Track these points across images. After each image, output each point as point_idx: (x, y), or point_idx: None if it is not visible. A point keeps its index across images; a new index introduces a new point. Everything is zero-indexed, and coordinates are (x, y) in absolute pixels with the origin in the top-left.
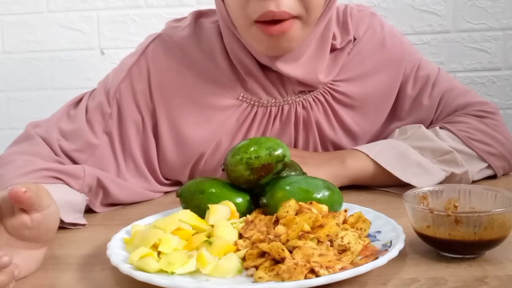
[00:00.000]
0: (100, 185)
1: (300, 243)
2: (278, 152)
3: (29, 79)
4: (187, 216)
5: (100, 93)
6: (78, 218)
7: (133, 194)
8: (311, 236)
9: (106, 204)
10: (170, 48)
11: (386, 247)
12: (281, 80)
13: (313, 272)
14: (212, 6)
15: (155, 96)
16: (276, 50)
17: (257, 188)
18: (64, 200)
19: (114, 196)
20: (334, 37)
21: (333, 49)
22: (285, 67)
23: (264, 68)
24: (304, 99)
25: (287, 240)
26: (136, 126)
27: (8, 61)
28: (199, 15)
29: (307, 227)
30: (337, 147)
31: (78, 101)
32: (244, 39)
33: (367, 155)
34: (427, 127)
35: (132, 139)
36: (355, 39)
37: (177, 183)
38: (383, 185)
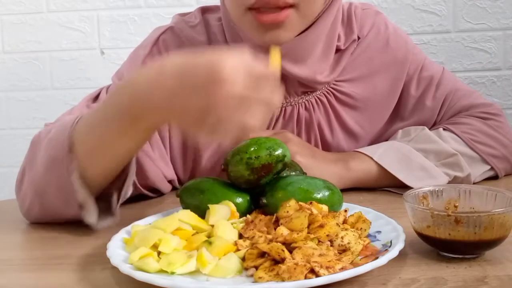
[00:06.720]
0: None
1: (300, 243)
2: (278, 152)
3: (29, 79)
4: (187, 216)
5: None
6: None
7: (157, 175)
8: (311, 236)
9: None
10: (181, 41)
11: (386, 247)
12: (283, 81)
13: (313, 272)
14: (213, 4)
15: None
16: (271, 40)
17: (257, 188)
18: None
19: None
20: (338, 38)
21: (337, 50)
22: (289, 66)
23: None
24: (307, 100)
25: (287, 240)
26: None
27: (8, 61)
28: (204, 11)
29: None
30: (339, 148)
31: (95, 97)
32: (242, 33)
33: (371, 158)
34: (430, 128)
35: None
36: (359, 38)
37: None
38: (386, 186)
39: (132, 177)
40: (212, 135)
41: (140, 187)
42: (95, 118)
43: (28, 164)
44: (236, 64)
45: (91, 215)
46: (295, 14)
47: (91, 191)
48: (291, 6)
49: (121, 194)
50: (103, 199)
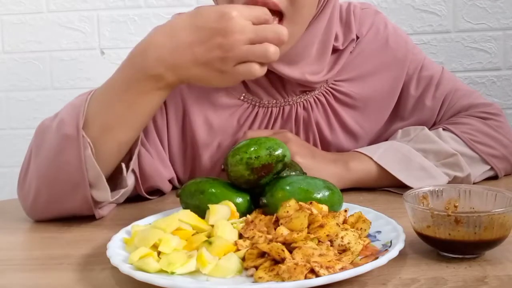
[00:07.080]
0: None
1: (300, 243)
2: (278, 152)
3: (29, 79)
4: (187, 216)
5: None
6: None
7: (157, 176)
8: (311, 236)
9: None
10: None
11: (386, 247)
12: (281, 81)
13: (313, 272)
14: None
15: None
16: None
17: (257, 188)
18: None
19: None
20: (336, 38)
21: (335, 50)
22: (281, 67)
23: None
24: (305, 99)
25: (287, 240)
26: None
27: (8, 61)
28: None
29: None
30: (338, 148)
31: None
32: None
33: (370, 158)
34: (430, 128)
35: (151, 124)
36: (357, 37)
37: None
38: (385, 186)
39: (138, 146)
40: (236, 78)
41: (142, 189)
42: (111, 89)
43: (35, 151)
44: (239, 14)
45: (102, 192)
46: (285, 25)
47: (103, 169)
48: (281, 17)
49: (130, 163)
50: (109, 178)
